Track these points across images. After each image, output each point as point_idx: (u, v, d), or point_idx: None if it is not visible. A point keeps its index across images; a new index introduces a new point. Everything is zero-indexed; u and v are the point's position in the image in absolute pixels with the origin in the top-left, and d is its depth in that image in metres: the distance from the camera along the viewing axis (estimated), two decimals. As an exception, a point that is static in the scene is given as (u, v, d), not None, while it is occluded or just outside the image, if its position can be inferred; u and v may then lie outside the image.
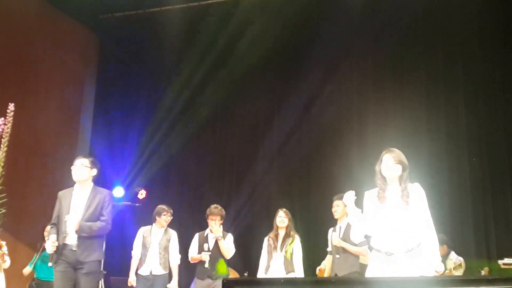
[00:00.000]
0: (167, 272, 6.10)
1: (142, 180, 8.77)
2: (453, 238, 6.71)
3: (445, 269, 6.00)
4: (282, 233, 5.83)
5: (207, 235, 5.99)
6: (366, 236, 4.88)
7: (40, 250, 6.67)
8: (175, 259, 6.15)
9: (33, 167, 8.00)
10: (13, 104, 3.06)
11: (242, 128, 8.87)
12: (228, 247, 5.91)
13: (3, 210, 2.95)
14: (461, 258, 6.32)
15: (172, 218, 6.29)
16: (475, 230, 7.09)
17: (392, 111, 7.81)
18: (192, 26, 8.91)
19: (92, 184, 4.76)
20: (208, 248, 5.81)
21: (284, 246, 5.73)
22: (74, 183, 4.75)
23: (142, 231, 6.25)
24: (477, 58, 7.59)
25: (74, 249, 4.50)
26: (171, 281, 6.08)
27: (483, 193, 7.20)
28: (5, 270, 5.89)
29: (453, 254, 6.37)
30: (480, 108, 7.47)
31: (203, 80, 8.83)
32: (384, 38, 8.08)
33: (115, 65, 9.43)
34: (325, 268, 5.96)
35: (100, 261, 4.73)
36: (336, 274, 5.49)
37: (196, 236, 6.10)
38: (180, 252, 6.25)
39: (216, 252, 5.85)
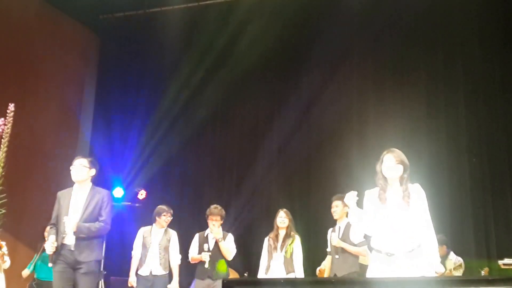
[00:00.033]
0: (167, 272, 6.09)
1: (142, 180, 8.77)
2: (453, 238, 6.71)
3: (445, 269, 6.00)
4: (282, 233, 5.82)
5: (207, 235, 5.99)
6: (365, 236, 4.88)
7: (40, 251, 6.67)
8: (176, 260, 6.15)
9: (33, 167, 8.00)
10: (13, 104, 3.06)
11: (242, 128, 8.86)
12: (229, 248, 5.90)
13: (3, 211, 2.95)
14: (460, 259, 6.32)
15: (172, 218, 6.28)
16: (475, 230, 7.09)
17: (392, 111, 7.80)
18: (192, 26, 8.92)
19: (91, 184, 4.75)
20: (208, 248, 5.80)
21: (284, 246, 5.73)
22: (74, 183, 4.75)
23: (142, 231, 6.25)
24: (477, 58, 7.59)
25: (72, 249, 4.49)
26: (172, 282, 6.07)
27: (483, 193, 7.20)
28: (5, 270, 5.89)
29: (452, 255, 6.37)
30: (480, 108, 7.47)
31: (203, 80, 8.83)
32: (384, 38, 8.08)
33: (115, 65, 9.43)
34: (325, 268, 5.96)
35: (99, 261, 4.72)
36: (335, 275, 5.48)
37: (196, 236, 6.10)
38: (180, 252, 6.24)
39: (216, 253, 5.84)
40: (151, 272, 6.01)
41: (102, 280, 6.22)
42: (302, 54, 8.44)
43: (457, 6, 7.69)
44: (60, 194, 4.73)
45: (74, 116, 9.08)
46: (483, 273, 5.80)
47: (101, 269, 6.54)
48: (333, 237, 5.63)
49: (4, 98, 4.11)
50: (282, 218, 5.84)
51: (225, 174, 8.77)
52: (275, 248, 5.77)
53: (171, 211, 6.27)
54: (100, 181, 5.19)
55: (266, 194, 8.28)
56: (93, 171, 4.74)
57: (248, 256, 7.22)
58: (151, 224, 6.27)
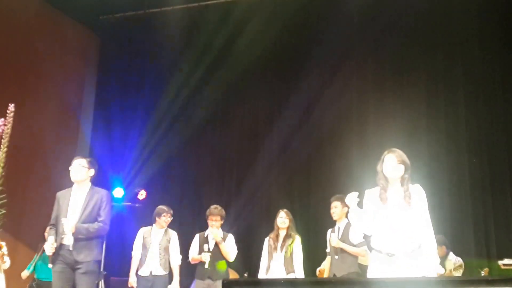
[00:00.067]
0: (167, 272, 6.09)
1: (142, 180, 8.77)
2: (453, 238, 6.71)
3: (445, 270, 6.00)
4: (283, 233, 5.81)
5: (207, 235, 5.98)
6: (365, 236, 4.88)
7: (41, 251, 6.66)
8: (176, 260, 6.15)
9: (33, 167, 8.00)
10: (13, 104, 3.05)
11: (242, 128, 8.86)
12: (230, 249, 5.90)
13: (3, 211, 2.95)
14: (460, 259, 6.30)
15: (172, 219, 6.28)
16: (475, 230, 7.09)
17: (392, 111, 7.80)
18: (192, 26, 8.92)
19: (90, 184, 4.74)
20: (208, 248, 5.80)
21: (285, 246, 5.72)
22: (73, 183, 4.74)
23: (142, 231, 6.24)
24: (477, 58, 7.59)
25: (71, 249, 4.48)
26: (172, 282, 6.07)
27: (483, 193, 7.19)
28: (5, 271, 5.89)
29: (452, 255, 6.36)
30: (480, 108, 7.47)
31: (203, 80, 8.83)
32: (384, 38, 8.08)
33: (115, 65, 9.43)
34: (325, 269, 5.95)
35: (98, 261, 4.69)
36: (334, 275, 5.48)
37: (197, 236, 6.10)
38: (181, 253, 6.24)
39: (216, 253, 5.84)
40: (151, 273, 6.01)
41: (103, 280, 6.21)
42: (302, 54, 8.43)
43: (457, 6, 7.68)
44: (59, 194, 4.73)
45: (74, 116, 9.08)
46: (483, 273, 5.81)
47: (101, 269, 6.55)
48: (332, 238, 5.63)
49: (4, 98, 4.11)
50: (283, 219, 5.83)
51: (225, 174, 8.77)
52: (275, 248, 5.76)
53: (171, 212, 6.27)
54: (100, 181, 5.18)
55: (266, 194, 8.28)
56: (92, 171, 4.73)
57: (248, 256, 7.22)
58: (151, 224, 6.27)
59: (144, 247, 6.09)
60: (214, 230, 5.86)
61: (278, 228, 5.83)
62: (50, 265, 4.56)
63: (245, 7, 8.53)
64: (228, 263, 5.97)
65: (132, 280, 6.03)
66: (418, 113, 7.71)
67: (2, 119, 2.99)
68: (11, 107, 3.04)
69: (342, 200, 5.55)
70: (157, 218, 6.20)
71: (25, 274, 6.77)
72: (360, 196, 3.91)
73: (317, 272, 6.11)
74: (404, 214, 3.74)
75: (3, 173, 2.93)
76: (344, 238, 5.56)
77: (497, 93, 7.45)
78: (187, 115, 8.96)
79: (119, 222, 7.69)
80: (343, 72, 8.22)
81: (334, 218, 5.75)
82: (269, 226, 6.15)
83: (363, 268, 5.37)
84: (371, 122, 7.95)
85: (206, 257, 5.73)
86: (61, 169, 4.88)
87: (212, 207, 6.00)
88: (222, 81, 8.68)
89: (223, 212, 6.04)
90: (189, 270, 6.37)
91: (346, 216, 5.39)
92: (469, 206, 7.18)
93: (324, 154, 8.09)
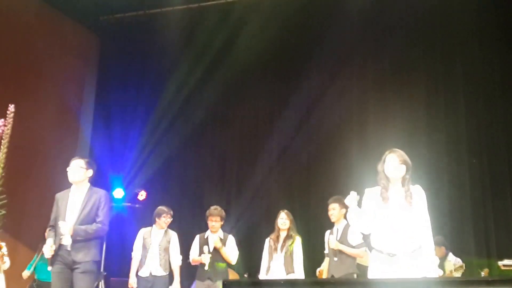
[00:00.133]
0: (167, 273, 6.08)
1: (142, 180, 8.77)
2: (453, 238, 6.71)
3: (444, 270, 6.00)
4: (283, 234, 5.80)
5: (207, 237, 5.98)
6: (364, 237, 4.87)
7: (41, 251, 6.66)
8: (176, 260, 6.14)
9: (33, 167, 8.00)
10: (13, 105, 3.05)
11: (242, 128, 8.86)
12: (230, 253, 5.90)
13: (4, 212, 2.94)
14: (459, 260, 6.30)
15: (172, 219, 6.27)
16: (475, 230, 7.09)
17: (392, 111, 7.80)
18: (192, 27, 8.91)
19: (88, 185, 4.73)
20: (208, 250, 5.79)
21: (285, 247, 5.71)
22: (72, 184, 4.74)
23: (142, 232, 6.23)
24: (477, 58, 7.59)
25: (69, 249, 4.48)
26: (173, 282, 6.05)
27: (483, 194, 7.19)
28: (5, 271, 5.89)
29: (451, 256, 6.35)
30: (480, 108, 7.47)
31: (203, 81, 8.83)
32: (384, 38, 8.08)
33: (115, 65, 9.43)
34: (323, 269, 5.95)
35: (96, 261, 4.67)
36: (332, 276, 5.47)
37: (197, 238, 6.09)
38: (181, 253, 6.23)
39: (216, 254, 5.83)
40: (151, 273, 5.99)
41: (103, 281, 6.21)
42: (302, 54, 8.44)
43: (457, 6, 7.68)
44: (58, 196, 4.72)
45: (74, 116, 9.07)
46: (483, 274, 5.81)
47: (101, 269, 6.55)
48: (331, 240, 5.61)
49: (4, 98, 4.11)
50: (283, 220, 5.82)
51: (225, 174, 8.77)
52: (275, 249, 5.76)
53: (171, 212, 6.26)
54: (100, 181, 5.17)
55: (266, 194, 8.28)
56: (90, 172, 4.72)
57: (248, 257, 7.21)
58: (151, 225, 6.26)
59: (144, 247, 6.08)
60: (215, 238, 5.86)
61: (279, 229, 5.82)
62: (49, 268, 4.55)
63: (245, 7, 8.53)
64: (230, 265, 5.97)
65: (132, 281, 6.02)
66: (418, 113, 7.71)
67: (2, 120, 2.98)
68: (11, 107, 3.04)
69: (339, 202, 5.54)
70: (157, 219, 6.19)
71: (26, 274, 6.77)
72: (360, 196, 3.91)
73: (317, 273, 6.11)
74: (405, 214, 3.73)
75: (3, 174, 2.93)
76: (343, 239, 5.55)
77: (497, 93, 7.45)
78: (187, 115, 8.96)
79: (119, 223, 7.69)
80: (343, 72, 8.22)
81: (332, 220, 5.73)
82: (269, 226, 6.14)
83: (362, 269, 5.36)
84: (371, 122, 7.95)
85: (206, 259, 5.73)
86: (61, 169, 4.87)
87: (212, 207, 6.00)
88: (222, 81, 8.68)
89: (223, 213, 6.03)
90: (190, 271, 6.37)
91: (345, 218, 5.38)
92: (469, 206, 7.17)
93: (324, 154, 8.09)
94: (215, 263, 5.80)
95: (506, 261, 5.45)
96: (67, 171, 4.69)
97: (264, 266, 5.80)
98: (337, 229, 5.67)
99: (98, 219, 4.59)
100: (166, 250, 6.09)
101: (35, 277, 6.87)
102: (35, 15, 8.32)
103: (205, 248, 5.79)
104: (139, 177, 8.79)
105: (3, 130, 2.97)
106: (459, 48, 7.74)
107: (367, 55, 8.23)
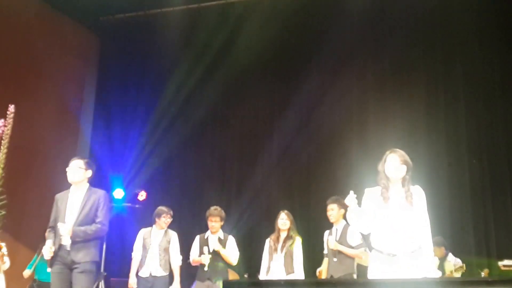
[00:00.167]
0: (167, 273, 6.08)
1: (142, 180, 8.77)
2: (453, 238, 6.71)
3: (444, 271, 5.99)
4: (283, 235, 5.79)
5: (207, 237, 5.97)
6: (364, 237, 4.87)
7: (41, 252, 6.66)
8: (176, 261, 6.13)
9: (33, 168, 8.00)
10: (13, 105, 3.04)
11: (242, 128, 8.86)
12: (231, 254, 5.89)
13: (3, 212, 2.94)
14: (459, 260, 6.29)
15: (172, 219, 6.27)
16: (475, 230, 7.09)
17: (392, 111, 7.81)
18: (191, 27, 8.91)
19: (87, 185, 4.73)
20: (208, 251, 5.79)
21: (285, 247, 5.71)
22: (71, 184, 4.74)
23: (142, 233, 6.23)
24: (477, 58, 7.60)
25: (68, 249, 4.48)
26: (173, 283, 6.05)
27: (483, 194, 7.20)
28: (5, 271, 5.89)
29: (450, 256, 6.35)
30: (480, 108, 7.48)
31: (203, 81, 8.83)
32: (384, 38, 8.09)
33: (115, 65, 9.44)
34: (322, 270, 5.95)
35: (95, 261, 4.67)
36: (331, 276, 5.47)
37: (197, 238, 6.08)
38: (181, 253, 6.23)
39: (216, 255, 5.83)
40: (150, 274, 5.99)
41: (103, 281, 6.21)
42: (302, 54, 8.44)
43: (457, 6, 7.69)
44: (58, 196, 4.72)
45: (74, 116, 9.08)
46: (483, 274, 5.81)
47: (101, 270, 6.54)
48: (330, 240, 5.61)
49: (4, 98, 4.11)
50: (284, 220, 5.82)
51: (225, 174, 8.77)
52: (276, 249, 5.75)
53: (171, 213, 6.26)
54: (100, 181, 5.17)
55: (266, 194, 8.28)
56: (89, 172, 4.71)
57: (248, 257, 7.21)
58: (151, 225, 6.26)
59: (144, 248, 6.08)
60: (213, 242, 5.86)
61: (279, 229, 5.82)
62: (49, 269, 4.55)
63: (245, 8, 8.53)
64: (231, 266, 5.97)
65: (132, 281, 6.02)
66: (418, 113, 7.71)
67: (2, 120, 2.98)
68: (11, 107, 3.03)
69: (338, 202, 5.54)
70: (157, 219, 6.19)
71: (27, 273, 6.77)
72: (360, 195, 3.90)
73: (317, 273, 6.11)
74: (406, 214, 3.73)
75: (3, 174, 2.93)
76: (342, 240, 5.54)
77: (497, 93, 7.45)
78: (187, 115, 8.96)
79: (119, 223, 7.69)
80: (343, 72, 8.22)
81: (331, 221, 5.72)
82: (269, 226, 6.14)
83: (362, 269, 5.36)
84: (371, 122, 7.95)
85: (206, 260, 5.73)
86: (61, 169, 4.87)
87: (212, 208, 5.99)
88: (222, 81, 8.68)
89: (223, 213, 6.03)
90: (190, 271, 6.37)
91: (343, 218, 5.38)
92: (469, 206, 7.18)
93: (324, 154, 8.09)
94: (215, 263, 5.80)
95: (506, 261, 5.45)
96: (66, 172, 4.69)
97: (264, 266, 5.80)
98: (336, 229, 5.66)
99: (97, 220, 4.59)
100: (166, 250, 6.09)
101: (35, 277, 6.87)
102: (35, 15, 8.32)
103: (205, 248, 5.79)
104: (139, 177, 8.79)
105: (3, 130, 2.97)
106: (459, 48, 7.75)
107: (367, 55, 8.23)
